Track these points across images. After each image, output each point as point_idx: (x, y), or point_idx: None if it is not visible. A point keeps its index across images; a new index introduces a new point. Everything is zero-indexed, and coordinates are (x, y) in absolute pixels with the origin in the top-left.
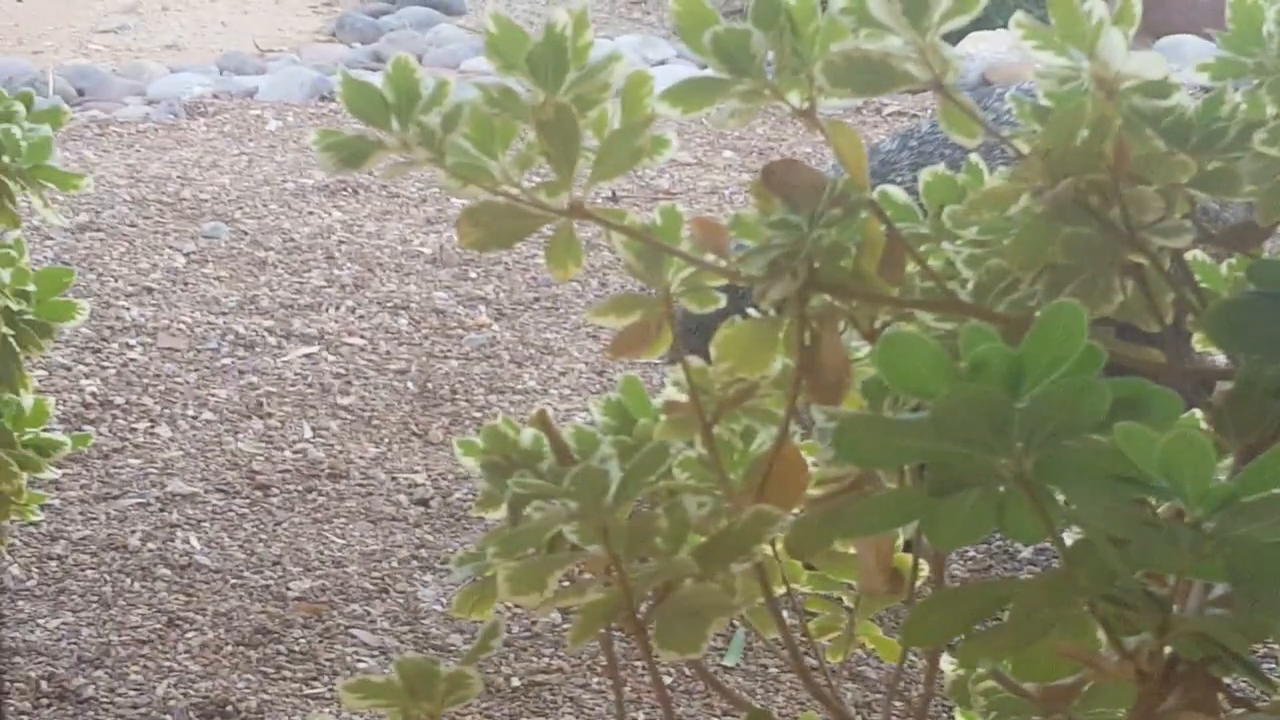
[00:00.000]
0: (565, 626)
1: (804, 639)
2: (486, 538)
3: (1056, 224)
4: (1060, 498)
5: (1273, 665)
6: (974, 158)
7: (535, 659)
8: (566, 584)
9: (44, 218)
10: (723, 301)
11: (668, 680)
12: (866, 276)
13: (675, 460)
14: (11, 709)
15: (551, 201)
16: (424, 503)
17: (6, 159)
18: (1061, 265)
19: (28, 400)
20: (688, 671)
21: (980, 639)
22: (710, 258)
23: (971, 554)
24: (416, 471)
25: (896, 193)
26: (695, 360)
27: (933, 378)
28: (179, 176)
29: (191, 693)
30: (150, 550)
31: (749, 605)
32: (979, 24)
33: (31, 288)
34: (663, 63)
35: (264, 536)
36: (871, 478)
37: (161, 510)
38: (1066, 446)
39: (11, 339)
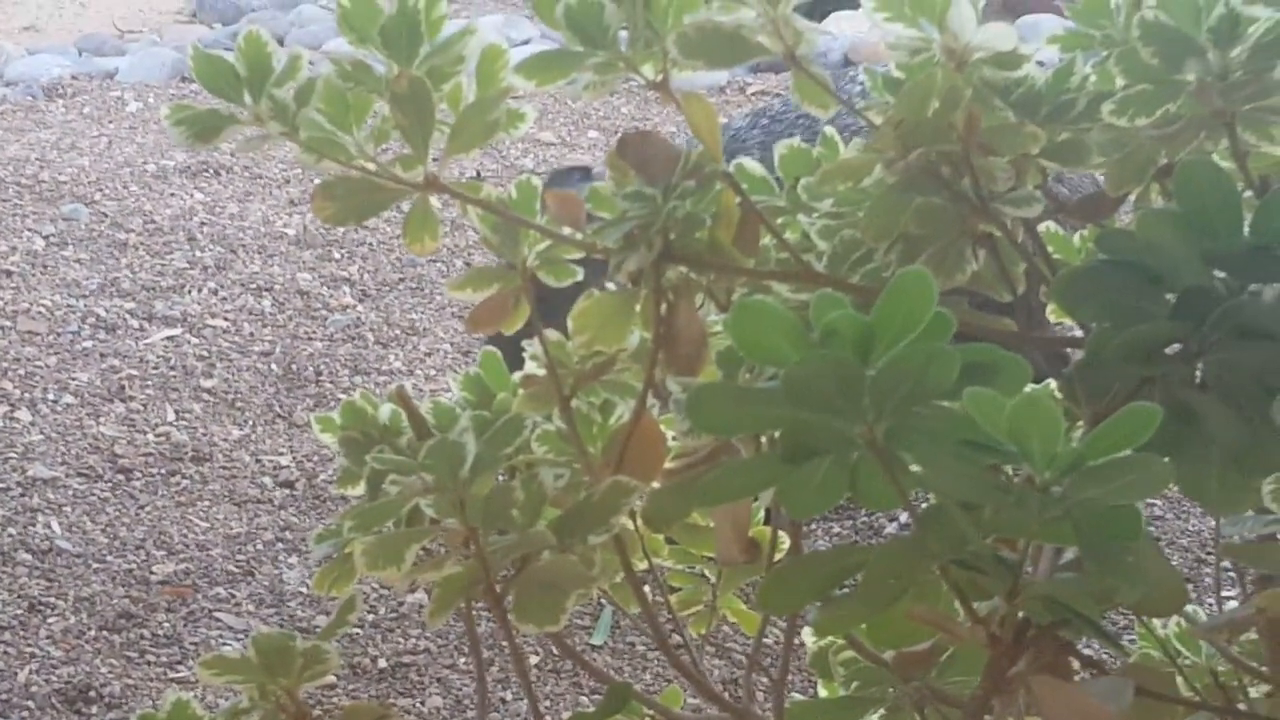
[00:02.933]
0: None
1: (668, 615)
2: (344, 514)
3: (908, 194)
4: (912, 465)
5: (1124, 628)
6: (829, 130)
7: (402, 640)
8: (426, 559)
9: None
10: (580, 274)
11: (535, 659)
12: (722, 248)
13: (534, 435)
14: None
15: (407, 175)
16: (289, 485)
17: None
18: (914, 235)
19: None
20: (555, 650)
21: (833, 605)
22: (566, 231)
23: (837, 530)
24: (281, 454)
25: (752, 165)
26: (553, 334)
27: (785, 346)
28: (37, 159)
29: (54, 678)
30: (10, 535)
31: (608, 579)
32: (843, 3)
33: None
34: (526, 42)
35: (127, 520)
36: (729, 449)
37: (22, 495)
38: (917, 412)
39: None
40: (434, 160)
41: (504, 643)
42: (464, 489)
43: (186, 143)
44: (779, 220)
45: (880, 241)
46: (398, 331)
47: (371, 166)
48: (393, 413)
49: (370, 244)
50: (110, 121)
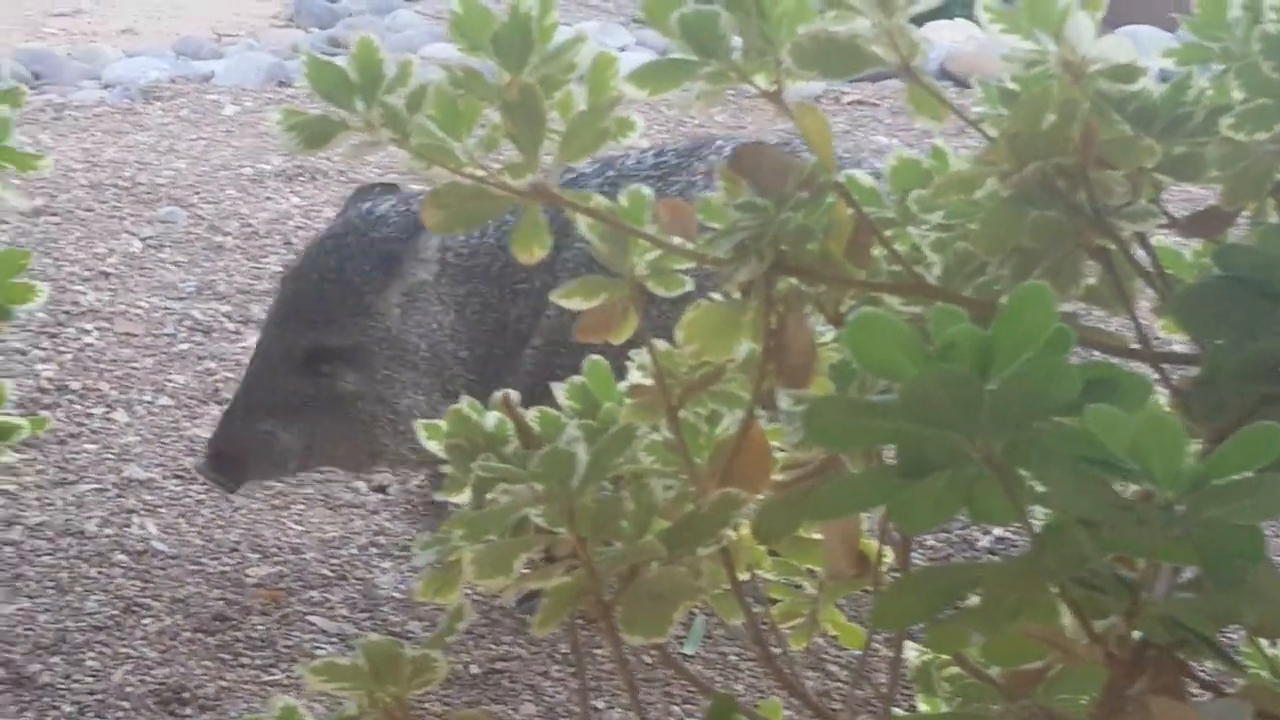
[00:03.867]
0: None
1: (766, 625)
2: (452, 520)
3: (1023, 207)
4: (1031, 481)
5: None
6: (938, 141)
7: (494, 646)
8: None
9: (2, 199)
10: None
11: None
12: (834, 260)
13: (641, 445)
14: None
15: (516, 183)
16: (382, 489)
17: None
18: (1029, 249)
19: None
20: (647, 659)
21: (948, 623)
22: (677, 241)
23: (931, 543)
24: None
25: (863, 177)
26: (661, 344)
27: (903, 359)
28: (135, 161)
29: (149, 679)
30: (107, 536)
31: (713, 590)
32: (937, 14)
33: None
34: (622, 49)
35: (221, 523)
36: (837, 462)
37: (119, 496)
38: (1036, 428)
39: None
40: (542, 169)
41: (595, 650)
42: (574, 499)
43: (296, 148)
44: (889, 232)
45: (994, 255)
46: None
47: (481, 174)
48: (499, 421)
49: None
50: (207, 125)
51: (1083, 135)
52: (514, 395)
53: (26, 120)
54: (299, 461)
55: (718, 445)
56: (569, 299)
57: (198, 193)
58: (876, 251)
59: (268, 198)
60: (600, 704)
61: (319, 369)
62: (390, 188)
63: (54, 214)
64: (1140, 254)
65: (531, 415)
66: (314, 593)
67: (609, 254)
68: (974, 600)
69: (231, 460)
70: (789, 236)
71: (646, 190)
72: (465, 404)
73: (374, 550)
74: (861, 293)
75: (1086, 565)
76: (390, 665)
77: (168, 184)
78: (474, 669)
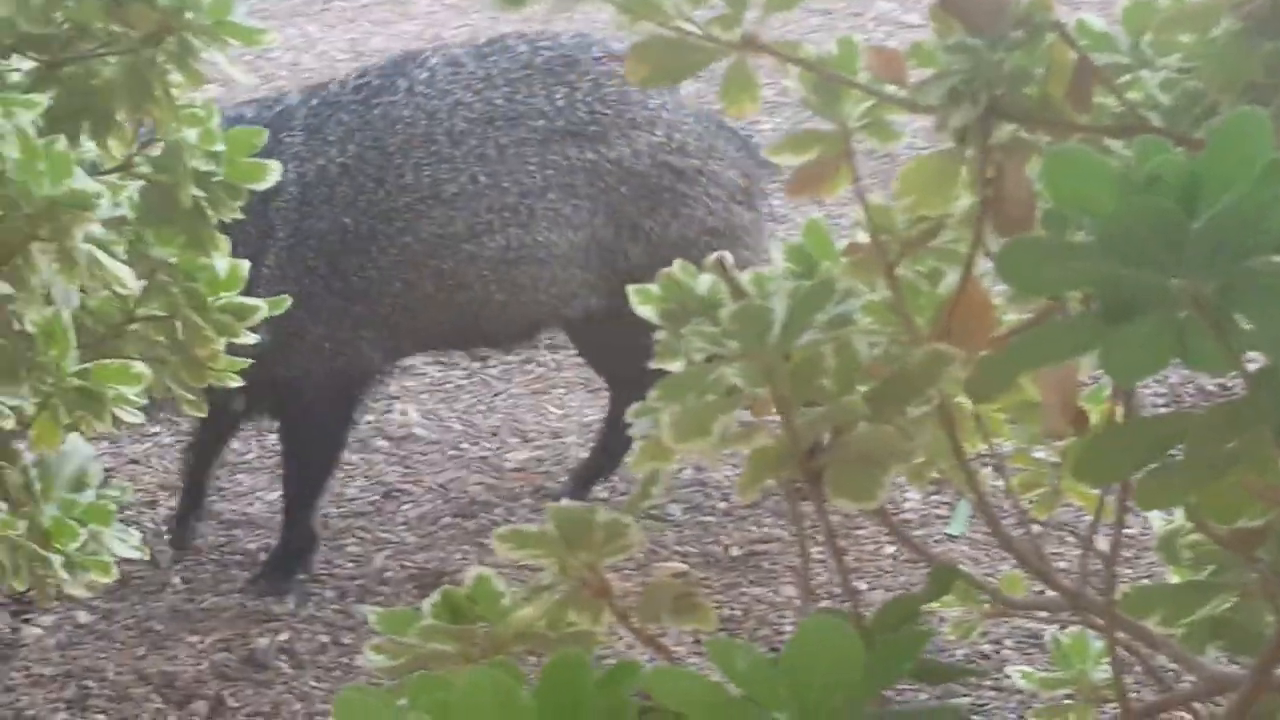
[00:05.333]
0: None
1: (1009, 497)
2: (656, 385)
3: (1257, 40)
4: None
5: None
6: None
7: (754, 528)
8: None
9: (230, 77)
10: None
11: (890, 550)
12: (1053, 104)
13: (860, 305)
14: (230, 579)
15: (726, 35)
16: None
17: (189, 14)
18: (1262, 84)
19: (222, 264)
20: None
21: (1156, 475)
22: (889, 89)
23: None
24: None
25: (1093, 20)
26: (877, 198)
27: (1103, 194)
28: (401, 50)
29: (408, 564)
30: (369, 422)
31: (930, 457)
32: None
33: (220, 148)
34: None
35: (482, 408)
36: (1059, 314)
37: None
38: (1249, 267)
39: (203, 201)
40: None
41: (858, 531)
42: (772, 356)
43: (499, 6)
44: (1122, 80)
45: (1225, 92)
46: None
47: (690, 27)
48: (712, 283)
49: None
50: (474, 13)
51: None
52: (728, 256)
53: (296, 13)
54: None
55: (939, 304)
56: (779, 154)
57: None
58: (1104, 100)
59: None
60: (862, 585)
61: None
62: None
63: None
64: None
65: (746, 277)
66: None
67: (820, 105)
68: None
69: None
70: (1004, 79)
71: (858, 38)
72: (678, 267)
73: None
74: (1086, 139)
75: None
76: (580, 531)
77: None
78: (734, 551)
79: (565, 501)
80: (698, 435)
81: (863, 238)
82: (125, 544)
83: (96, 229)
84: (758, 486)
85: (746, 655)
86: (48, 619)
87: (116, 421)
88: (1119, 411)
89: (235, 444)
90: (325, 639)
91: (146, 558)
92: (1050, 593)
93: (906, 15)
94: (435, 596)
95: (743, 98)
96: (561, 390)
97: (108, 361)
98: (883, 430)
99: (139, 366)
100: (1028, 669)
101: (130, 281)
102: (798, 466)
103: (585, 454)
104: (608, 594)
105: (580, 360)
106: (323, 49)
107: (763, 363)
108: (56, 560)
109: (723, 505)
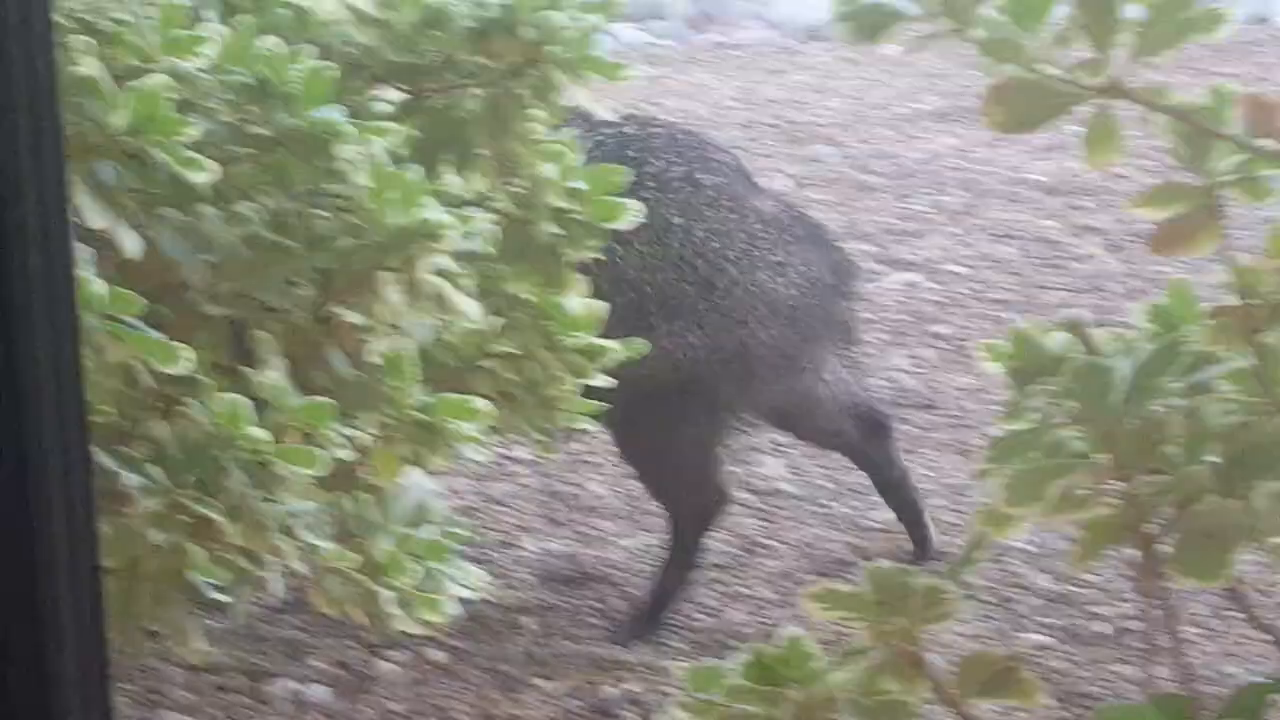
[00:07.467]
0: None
1: None
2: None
3: None
4: None
5: None
6: None
7: (1128, 603)
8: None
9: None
10: None
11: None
12: None
13: (1223, 372)
14: (582, 624)
15: (1092, 80)
16: None
17: (552, 48)
18: None
19: (575, 304)
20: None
21: None
22: (1265, 142)
23: None
24: None
25: None
26: (1245, 258)
27: None
28: (791, 100)
29: (765, 620)
30: (734, 473)
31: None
32: None
33: (581, 185)
34: None
35: (848, 464)
36: None
37: (745, 434)
38: None
39: (560, 239)
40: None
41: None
42: (1114, 420)
43: (849, 38)
44: None
45: None
46: (1141, 283)
47: (1053, 71)
48: (1066, 342)
49: (1124, 193)
50: (867, 65)
51: None
52: (1085, 315)
53: (693, 61)
54: None
55: None
56: (1143, 207)
57: (849, 132)
58: None
59: (919, 137)
60: (1233, 668)
61: None
62: None
63: None
64: None
65: (1103, 336)
66: (940, 538)
67: (1189, 158)
68: None
69: None
70: None
71: (1232, 86)
72: (1027, 324)
73: None
74: None
75: None
76: (897, 594)
77: (821, 123)
78: (1100, 627)
79: (884, 563)
80: (1032, 499)
81: (1231, 300)
82: (464, 583)
83: (445, 261)
84: (1091, 558)
85: None
86: (400, 655)
87: (455, 456)
88: None
89: (596, 487)
90: (675, 691)
91: (488, 599)
92: None
93: None
94: (746, 654)
95: (1106, 148)
96: (931, 451)
97: (449, 395)
98: (1228, 504)
99: (479, 403)
100: None
101: (476, 315)
102: (1137, 540)
103: (950, 518)
104: (922, 663)
105: (954, 421)
106: (716, 97)
107: (1103, 426)
108: (386, 595)
109: (1095, 578)
